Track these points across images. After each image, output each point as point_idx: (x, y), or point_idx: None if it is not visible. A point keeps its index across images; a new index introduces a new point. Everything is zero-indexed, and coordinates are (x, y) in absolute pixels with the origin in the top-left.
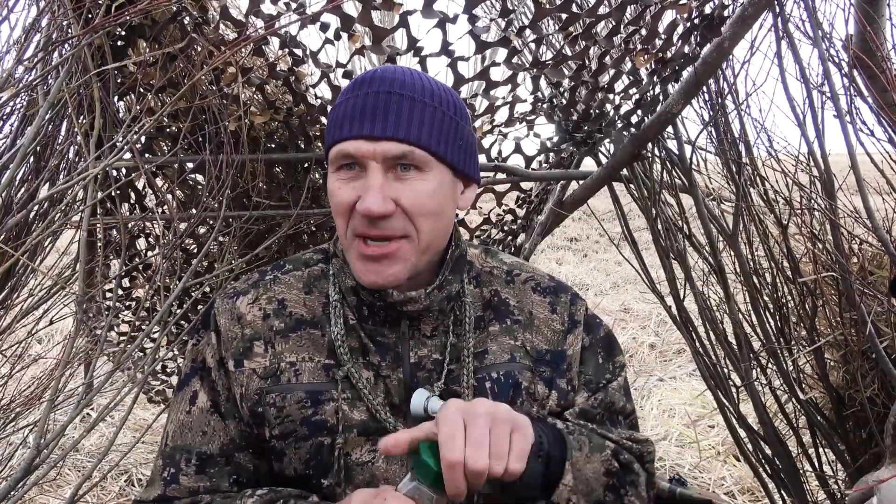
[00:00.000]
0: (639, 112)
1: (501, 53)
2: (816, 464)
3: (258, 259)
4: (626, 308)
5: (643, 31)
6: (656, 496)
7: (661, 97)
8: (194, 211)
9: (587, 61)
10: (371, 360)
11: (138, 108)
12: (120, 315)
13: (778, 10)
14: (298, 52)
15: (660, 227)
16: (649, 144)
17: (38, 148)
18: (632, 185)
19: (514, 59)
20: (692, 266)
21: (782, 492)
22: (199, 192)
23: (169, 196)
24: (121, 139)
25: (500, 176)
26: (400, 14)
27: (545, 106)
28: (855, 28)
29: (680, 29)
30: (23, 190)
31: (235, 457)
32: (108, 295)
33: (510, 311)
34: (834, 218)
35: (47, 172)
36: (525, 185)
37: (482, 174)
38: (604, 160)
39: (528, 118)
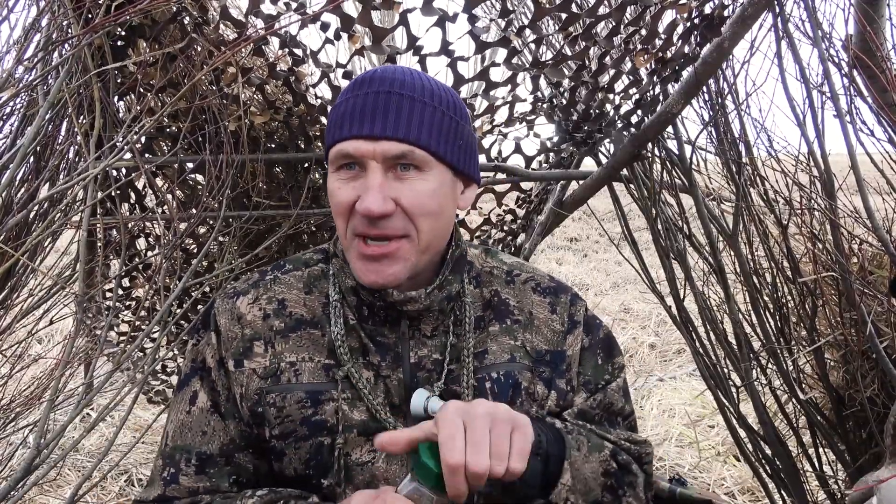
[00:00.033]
0: (639, 112)
1: (501, 53)
2: (816, 464)
3: (258, 259)
4: (626, 308)
5: (643, 31)
6: (656, 496)
7: (661, 97)
8: (194, 211)
9: (587, 61)
10: (371, 360)
11: (138, 108)
12: (120, 315)
13: (778, 10)
14: (298, 51)
15: (660, 227)
16: (649, 144)
17: (38, 148)
18: (632, 185)
19: (514, 59)
20: (692, 266)
21: (782, 492)
22: (199, 192)
23: (169, 196)
24: (121, 139)
25: (500, 176)
26: (399, 13)
27: (545, 106)
28: (855, 28)
29: (680, 29)
30: (23, 190)
31: (235, 457)
32: (108, 295)
33: (510, 311)
34: (834, 218)
35: (47, 172)
36: (525, 185)
37: (482, 174)
38: (604, 160)
39: (528, 118)
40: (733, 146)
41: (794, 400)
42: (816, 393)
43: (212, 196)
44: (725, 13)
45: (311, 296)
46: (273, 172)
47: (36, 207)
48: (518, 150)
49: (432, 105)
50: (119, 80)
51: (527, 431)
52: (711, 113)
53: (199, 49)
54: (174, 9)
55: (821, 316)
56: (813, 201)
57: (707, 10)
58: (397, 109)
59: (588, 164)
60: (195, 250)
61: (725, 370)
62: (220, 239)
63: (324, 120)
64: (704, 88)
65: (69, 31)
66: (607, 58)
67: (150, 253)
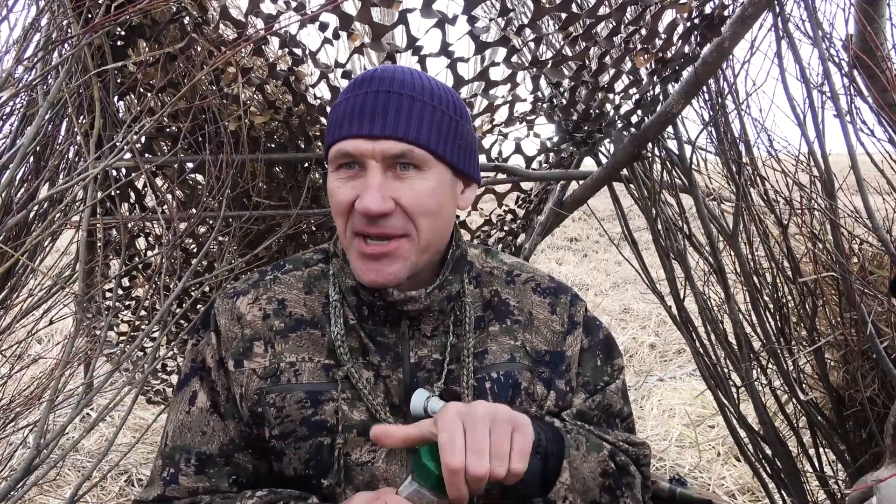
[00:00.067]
0: (639, 112)
1: (501, 53)
2: (816, 464)
3: (258, 259)
4: (626, 308)
5: (643, 31)
6: (657, 496)
7: (661, 97)
8: (194, 211)
9: (587, 61)
10: (371, 360)
11: (138, 108)
12: (120, 315)
13: (778, 10)
14: (298, 51)
15: (660, 227)
16: (649, 144)
17: (37, 148)
18: (632, 185)
19: (514, 59)
20: (692, 266)
21: (782, 492)
22: (199, 192)
23: (169, 196)
24: (121, 139)
25: (501, 176)
26: (399, 11)
27: (545, 106)
28: (855, 28)
29: (680, 29)
30: (23, 190)
31: (235, 457)
32: (108, 295)
33: (510, 311)
34: (834, 218)
35: (47, 172)
36: (525, 185)
37: (482, 174)
38: (604, 160)
39: (528, 118)
40: (733, 146)
41: (794, 400)
42: (817, 393)
43: (212, 196)
44: (725, 13)
45: (311, 296)
46: (273, 172)
47: (36, 207)
48: (518, 150)
49: (432, 104)
50: (119, 80)
51: (527, 432)
52: (711, 113)
53: (199, 49)
54: (174, 9)
55: (821, 316)
56: (813, 201)
57: (707, 9)
58: (397, 109)
59: (588, 164)
60: (195, 250)
61: (725, 370)
62: (220, 239)
63: (324, 120)
64: (704, 88)
65: (69, 30)
66: (607, 58)
67: (150, 253)
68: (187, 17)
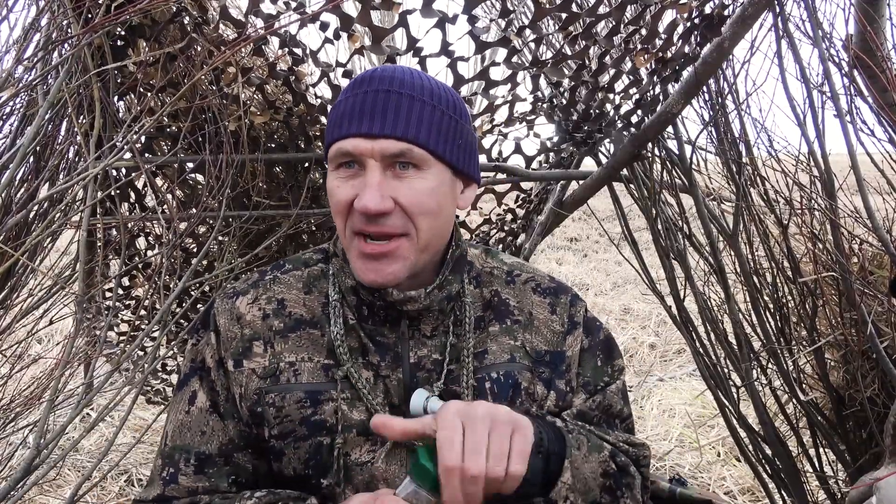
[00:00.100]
0: (639, 112)
1: (501, 53)
2: (816, 464)
3: (258, 259)
4: (626, 308)
5: (643, 31)
6: (657, 496)
7: (661, 97)
8: (194, 211)
9: (587, 61)
10: (370, 359)
11: (138, 108)
12: (120, 315)
13: (778, 9)
14: (298, 51)
15: (660, 227)
16: (649, 144)
17: (37, 148)
18: (632, 185)
19: (514, 59)
20: (692, 266)
21: (782, 492)
22: (199, 191)
23: (169, 196)
24: (121, 139)
25: (501, 176)
26: (399, 13)
27: (545, 106)
28: (855, 28)
29: (680, 29)
30: (23, 190)
31: (234, 457)
32: (108, 295)
33: (510, 311)
34: (834, 218)
35: (47, 172)
36: (525, 184)
37: (482, 174)
38: (604, 160)
39: (528, 118)
40: (733, 146)
41: (794, 400)
42: (817, 393)
43: (212, 196)
44: (725, 13)
45: (311, 296)
46: (273, 172)
47: (36, 207)
48: (518, 150)
49: (431, 104)
50: (119, 80)
51: (527, 433)
52: (711, 113)
53: (199, 49)
54: (174, 9)
55: (821, 316)
56: (813, 201)
57: (707, 9)
58: (396, 108)
59: (588, 164)
60: (195, 250)
61: (725, 370)
62: (220, 239)
63: (324, 120)
64: (704, 88)
65: (69, 30)
66: (607, 57)
67: (150, 253)
68: (187, 17)
